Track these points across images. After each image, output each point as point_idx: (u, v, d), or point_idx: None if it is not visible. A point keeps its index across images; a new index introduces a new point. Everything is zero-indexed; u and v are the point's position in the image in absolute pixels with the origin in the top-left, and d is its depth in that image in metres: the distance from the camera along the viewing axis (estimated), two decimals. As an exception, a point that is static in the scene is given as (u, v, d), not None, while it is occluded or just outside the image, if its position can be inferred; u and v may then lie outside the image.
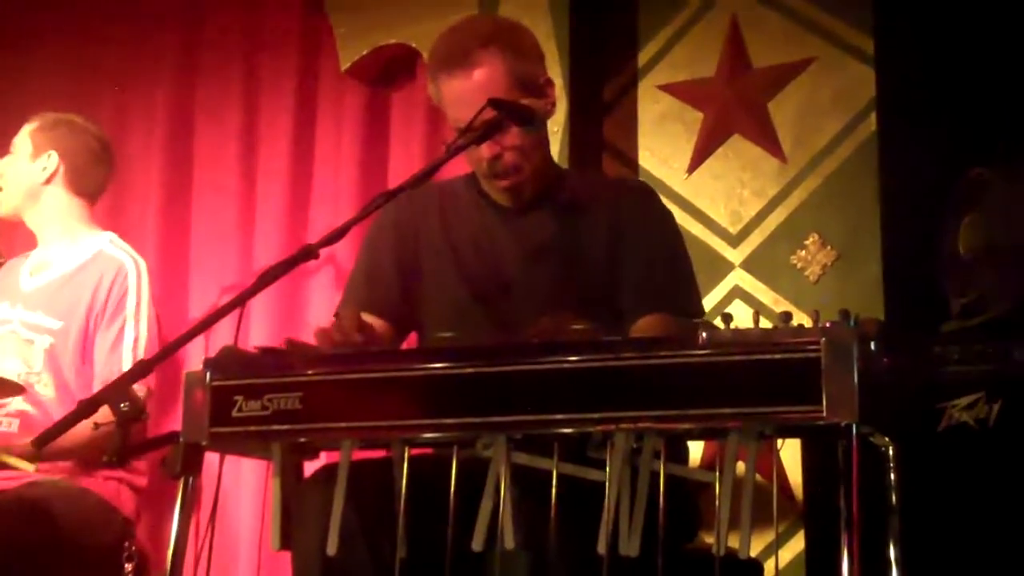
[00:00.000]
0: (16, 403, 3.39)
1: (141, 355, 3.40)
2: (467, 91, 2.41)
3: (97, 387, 3.24)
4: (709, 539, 1.89)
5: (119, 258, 3.56)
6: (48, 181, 3.63)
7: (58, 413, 3.28)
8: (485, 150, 2.42)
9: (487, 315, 2.47)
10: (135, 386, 3.20)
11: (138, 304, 3.50)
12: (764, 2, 3.52)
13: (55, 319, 3.48)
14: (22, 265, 3.68)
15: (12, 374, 3.38)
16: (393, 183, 3.73)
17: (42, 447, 2.13)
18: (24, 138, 3.67)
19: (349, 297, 2.61)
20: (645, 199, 2.62)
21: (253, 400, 1.96)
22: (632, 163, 3.58)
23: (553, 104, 2.54)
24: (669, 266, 2.53)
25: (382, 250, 2.62)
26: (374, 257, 2.63)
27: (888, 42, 3.29)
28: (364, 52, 3.94)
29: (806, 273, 3.33)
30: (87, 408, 2.08)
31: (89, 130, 3.74)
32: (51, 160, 3.63)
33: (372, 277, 2.61)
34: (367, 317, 2.37)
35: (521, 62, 2.46)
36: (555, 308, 2.27)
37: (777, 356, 1.71)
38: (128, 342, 3.44)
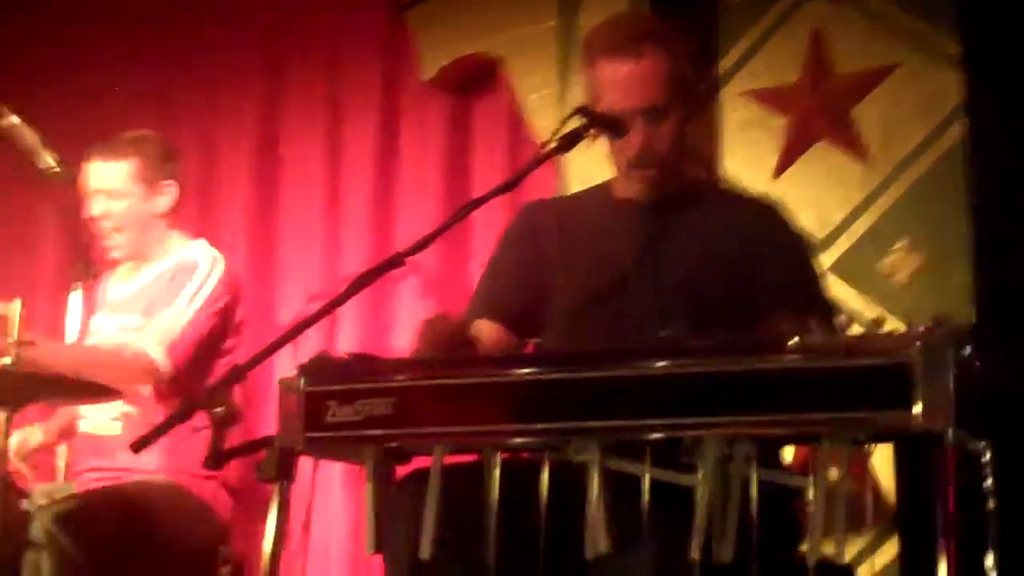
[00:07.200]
0: (117, 406, 3.43)
1: (197, 307, 3.41)
2: (629, 76, 2.45)
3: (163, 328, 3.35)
4: (803, 547, 1.89)
5: (194, 256, 3.54)
6: (167, 213, 3.60)
7: (154, 406, 3.35)
8: (634, 136, 2.46)
9: (601, 316, 2.48)
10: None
11: (203, 284, 3.46)
12: (847, 7, 3.50)
13: (139, 316, 3.49)
14: (109, 278, 3.72)
15: None
16: (477, 191, 3.75)
17: (139, 451, 2.16)
18: (125, 176, 3.52)
19: (472, 307, 2.64)
20: (780, 214, 2.63)
21: (346, 405, 1.98)
22: (716, 170, 3.57)
23: (700, 108, 2.60)
24: (813, 283, 2.55)
25: (504, 261, 2.67)
26: (497, 269, 2.68)
27: (975, 44, 3.25)
28: (445, 62, 3.97)
29: (894, 279, 3.30)
30: (183, 413, 2.11)
31: (163, 140, 3.67)
32: (171, 191, 3.59)
33: (495, 283, 2.66)
34: (488, 324, 2.52)
35: (681, 63, 2.50)
36: (674, 308, 2.36)
37: (871, 361, 1.70)
38: (186, 296, 3.43)
